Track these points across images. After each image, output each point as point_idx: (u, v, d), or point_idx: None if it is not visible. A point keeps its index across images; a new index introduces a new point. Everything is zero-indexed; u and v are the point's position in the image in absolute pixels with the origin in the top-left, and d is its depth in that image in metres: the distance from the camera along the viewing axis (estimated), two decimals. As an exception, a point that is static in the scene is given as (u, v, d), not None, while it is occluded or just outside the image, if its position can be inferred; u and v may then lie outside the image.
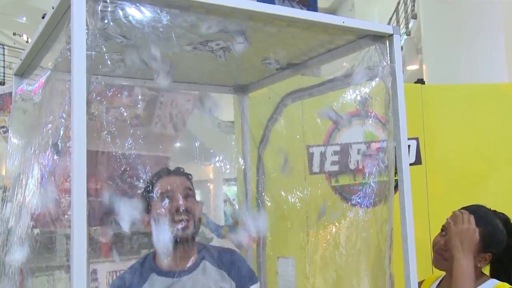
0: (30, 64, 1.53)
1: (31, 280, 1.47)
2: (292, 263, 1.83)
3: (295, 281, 1.83)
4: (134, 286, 1.51)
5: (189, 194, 1.59)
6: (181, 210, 1.52)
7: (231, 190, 2.43)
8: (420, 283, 1.83)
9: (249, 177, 2.04)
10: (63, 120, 1.12)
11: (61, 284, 1.74)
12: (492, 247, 1.68)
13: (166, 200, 1.53)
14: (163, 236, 1.45)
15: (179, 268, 1.53)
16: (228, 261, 1.62)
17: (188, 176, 1.65)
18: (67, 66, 1.04)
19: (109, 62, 1.23)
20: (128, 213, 1.49)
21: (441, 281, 1.80)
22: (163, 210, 1.51)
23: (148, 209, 1.55)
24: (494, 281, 1.70)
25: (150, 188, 1.56)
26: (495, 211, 1.78)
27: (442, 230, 1.77)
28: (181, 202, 1.52)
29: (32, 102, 1.55)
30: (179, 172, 1.65)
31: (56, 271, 1.78)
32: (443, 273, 1.82)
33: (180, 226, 1.50)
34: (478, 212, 1.72)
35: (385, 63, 1.43)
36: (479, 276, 1.71)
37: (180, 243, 1.50)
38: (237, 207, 2.36)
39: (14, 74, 1.63)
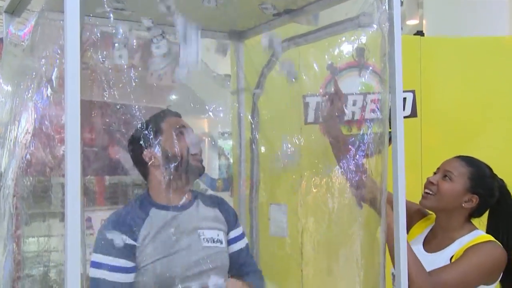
0: (21, 0, 1.49)
1: (26, 225, 1.48)
2: (285, 209, 1.86)
3: (287, 226, 1.87)
4: (134, 220, 1.51)
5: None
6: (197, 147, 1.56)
7: (226, 144, 2.43)
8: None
9: (243, 125, 2.03)
10: (57, 55, 1.10)
11: (56, 230, 1.76)
12: (479, 188, 1.71)
13: (181, 136, 1.56)
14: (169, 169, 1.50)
15: (176, 203, 1.56)
16: (218, 203, 1.71)
17: None
18: (59, 4, 1.01)
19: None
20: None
21: (431, 229, 1.83)
22: (179, 145, 1.54)
23: (149, 144, 1.54)
24: (478, 232, 1.72)
25: (158, 124, 1.57)
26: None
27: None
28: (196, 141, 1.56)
29: (22, 47, 1.52)
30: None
31: (51, 219, 1.79)
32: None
33: (194, 161, 1.55)
34: (471, 157, 1.77)
35: (383, 9, 1.40)
36: (466, 226, 1.73)
37: (181, 179, 1.54)
38: (231, 161, 2.37)
39: (4, 12, 1.58)
